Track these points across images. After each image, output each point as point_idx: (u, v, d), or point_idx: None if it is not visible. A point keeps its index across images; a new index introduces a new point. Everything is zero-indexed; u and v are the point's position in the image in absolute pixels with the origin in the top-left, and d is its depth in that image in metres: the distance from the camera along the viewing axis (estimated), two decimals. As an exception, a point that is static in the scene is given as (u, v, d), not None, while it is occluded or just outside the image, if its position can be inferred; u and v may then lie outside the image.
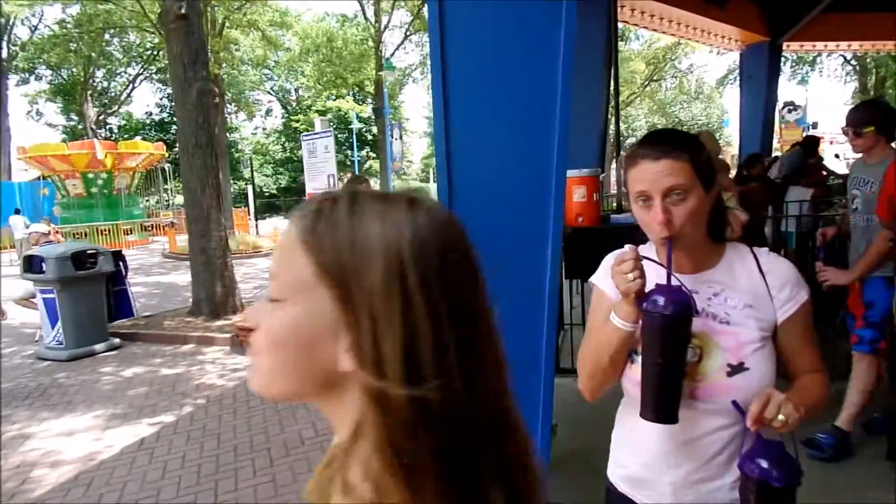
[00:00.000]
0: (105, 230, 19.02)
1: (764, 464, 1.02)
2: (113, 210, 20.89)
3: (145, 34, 22.59)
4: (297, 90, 33.85)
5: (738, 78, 9.41)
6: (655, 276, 1.13)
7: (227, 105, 27.48)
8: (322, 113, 26.40)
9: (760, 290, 1.19)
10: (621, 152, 6.23)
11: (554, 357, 1.75)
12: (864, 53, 19.82)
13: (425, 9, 1.69)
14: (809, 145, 7.05)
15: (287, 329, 0.54)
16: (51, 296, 6.22)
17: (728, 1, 6.76)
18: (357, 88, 26.77)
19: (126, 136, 30.16)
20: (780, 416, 1.02)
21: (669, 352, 1.08)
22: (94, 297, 6.48)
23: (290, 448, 3.96)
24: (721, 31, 7.49)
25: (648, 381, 1.11)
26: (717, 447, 1.17)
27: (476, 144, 1.63)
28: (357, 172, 25.02)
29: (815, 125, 19.97)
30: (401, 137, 22.44)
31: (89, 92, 27.88)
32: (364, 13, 24.07)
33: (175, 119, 7.90)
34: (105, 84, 30.46)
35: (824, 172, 7.04)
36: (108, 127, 32.10)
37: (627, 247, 1.13)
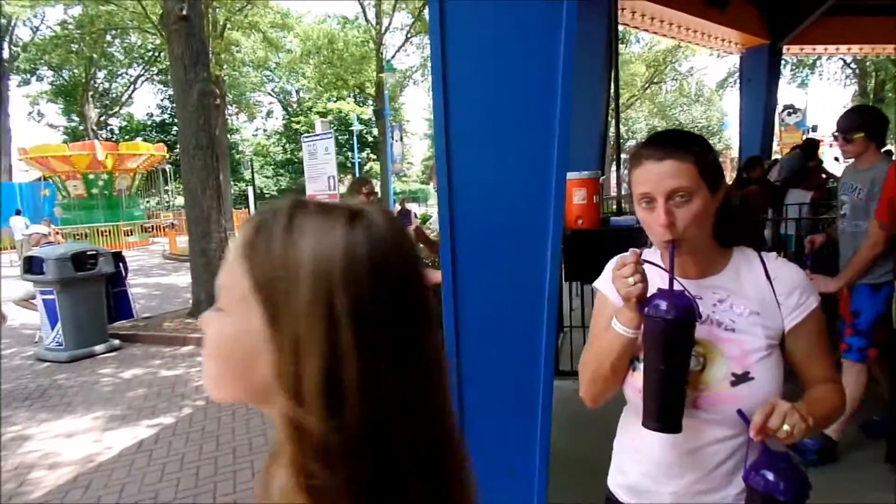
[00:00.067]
0: (105, 231, 19.05)
1: (770, 476, 0.99)
2: (113, 211, 20.91)
3: (147, 35, 22.63)
4: (297, 92, 33.90)
5: (738, 81, 9.41)
6: (659, 280, 1.10)
7: (228, 106, 27.53)
8: (323, 115, 26.40)
9: (767, 297, 1.15)
10: (622, 154, 6.23)
11: (553, 359, 1.75)
12: (864, 57, 19.83)
13: (426, 11, 1.69)
14: (809, 148, 7.05)
15: (226, 340, 0.53)
16: (51, 297, 6.22)
17: (728, 4, 6.77)
18: (358, 90, 26.80)
19: (127, 137, 30.19)
20: (785, 427, 0.98)
21: (672, 358, 1.05)
22: (93, 299, 6.48)
23: (289, 450, 3.96)
24: (721, 33, 7.51)
25: (650, 389, 1.08)
26: (721, 458, 1.14)
27: (476, 145, 1.63)
28: (358, 174, 25.02)
29: (814, 128, 19.97)
30: (401, 139, 22.46)
31: (90, 93, 27.92)
32: (365, 15, 24.10)
33: (176, 120, 7.91)
34: (106, 85, 30.51)
35: (824, 175, 7.04)
36: (109, 128, 32.13)
37: (630, 250, 1.10)
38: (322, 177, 6.63)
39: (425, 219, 15.96)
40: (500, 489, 1.82)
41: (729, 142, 35.80)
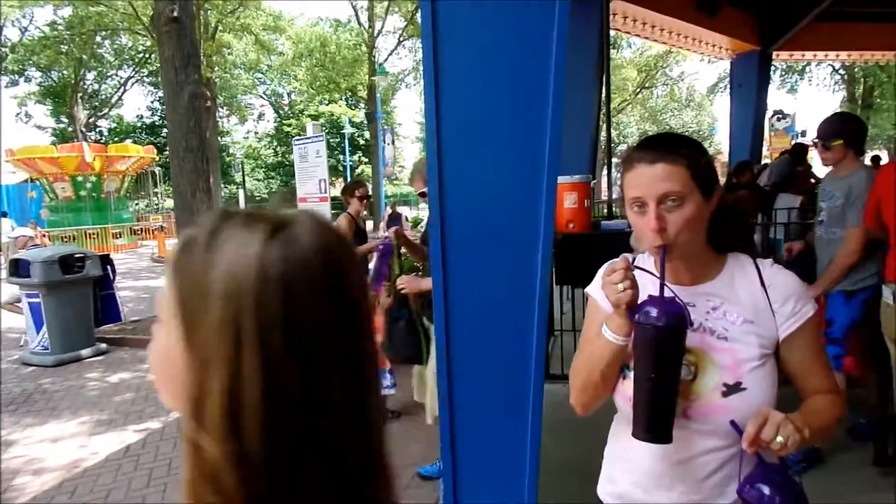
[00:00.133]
0: (93, 234, 18.89)
1: (765, 489, 0.97)
2: (102, 213, 20.74)
3: (137, 37, 22.52)
4: (289, 94, 33.81)
5: (728, 86, 9.48)
6: (651, 287, 1.08)
7: (219, 109, 27.43)
8: (314, 117, 26.36)
9: (761, 305, 1.12)
10: (613, 159, 6.25)
11: (544, 362, 1.74)
12: (853, 63, 20.07)
13: (419, 15, 1.69)
14: (798, 153, 7.11)
15: (158, 353, 0.53)
16: (36, 300, 6.15)
17: (719, 10, 6.82)
18: (350, 93, 26.76)
19: (116, 139, 29.97)
20: (779, 439, 0.96)
21: (662, 366, 1.02)
22: (80, 302, 6.41)
23: (278, 454, 3.93)
24: (712, 39, 7.56)
25: (640, 398, 1.05)
26: (712, 468, 1.12)
27: (467, 146, 1.62)
28: (349, 177, 25.00)
29: (803, 133, 20.14)
30: (393, 142, 22.44)
31: (80, 94, 27.71)
32: (357, 18, 24.11)
33: (166, 122, 7.87)
34: (96, 87, 30.27)
35: (813, 180, 7.10)
36: (98, 130, 31.90)
37: (621, 256, 1.09)
38: (313, 180, 6.61)
39: (416, 222, 15.94)
40: (491, 492, 1.81)
41: (719, 146, 36.07)
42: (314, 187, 6.60)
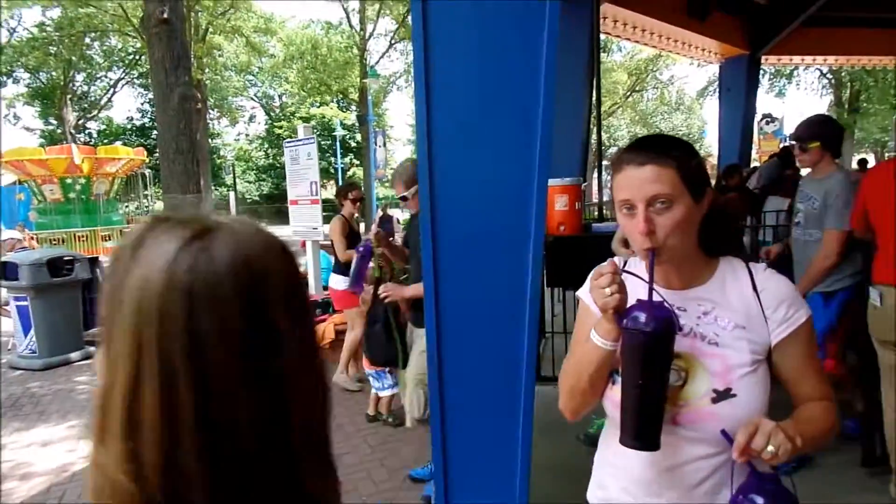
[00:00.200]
0: (82, 236, 18.73)
1: (759, 500, 0.95)
2: (91, 216, 20.56)
3: (127, 38, 22.40)
4: (280, 97, 33.71)
5: (717, 90, 9.55)
6: (642, 291, 1.06)
7: (210, 111, 27.29)
8: (306, 120, 26.31)
9: (753, 310, 1.11)
10: (604, 161, 6.28)
11: (535, 364, 1.74)
12: (840, 67, 20.26)
13: (410, 18, 1.69)
14: (787, 156, 7.16)
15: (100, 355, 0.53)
16: (24, 303, 6.09)
17: (708, 14, 6.87)
18: (341, 96, 26.72)
19: (106, 141, 29.75)
20: (770, 448, 0.94)
21: (650, 372, 1.01)
22: (69, 305, 6.36)
23: (269, 458, 3.91)
24: (701, 43, 7.62)
25: (628, 405, 1.03)
26: (702, 476, 1.10)
27: (458, 148, 1.63)
28: (341, 180, 24.96)
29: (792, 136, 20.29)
30: (385, 145, 22.45)
31: (69, 96, 27.48)
32: (349, 21, 24.08)
33: (156, 124, 7.83)
34: (85, 88, 30.04)
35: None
36: (87, 132, 31.66)
37: (608, 260, 1.07)
38: (304, 182, 6.58)
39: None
40: (482, 493, 1.81)
41: (709, 149, 36.30)
42: (305, 189, 6.57)
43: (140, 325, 0.46)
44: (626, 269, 1.15)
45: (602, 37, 6.49)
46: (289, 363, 0.51)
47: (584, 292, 1.24)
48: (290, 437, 0.51)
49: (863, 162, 14.96)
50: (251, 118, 35.63)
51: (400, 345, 3.30)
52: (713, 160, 12.64)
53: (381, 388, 4.12)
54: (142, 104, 32.97)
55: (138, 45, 21.55)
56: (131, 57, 26.97)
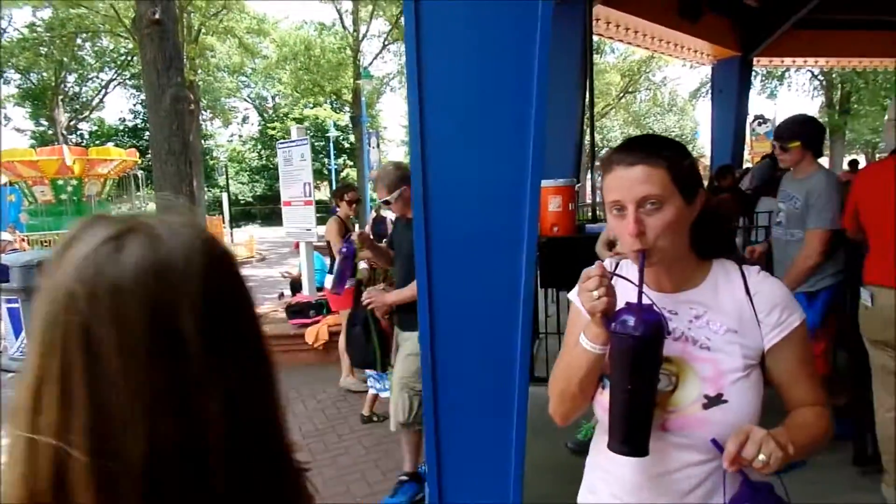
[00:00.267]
0: (74, 238, 18.61)
1: None
2: (83, 217, 20.45)
3: (119, 39, 22.26)
4: (274, 98, 33.64)
5: (710, 91, 9.60)
6: (634, 293, 1.04)
7: (203, 112, 27.18)
8: (299, 121, 26.25)
9: (746, 314, 1.09)
10: (597, 162, 6.30)
11: (528, 364, 1.75)
12: (831, 69, 20.40)
13: (403, 19, 1.69)
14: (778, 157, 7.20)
15: None
16: (15, 305, 6.06)
17: (701, 16, 6.91)
18: (335, 97, 26.68)
19: (98, 142, 29.64)
20: (761, 457, 0.91)
21: (639, 377, 0.98)
22: (61, 307, 6.32)
23: (262, 460, 3.89)
24: (694, 45, 7.66)
25: (616, 410, 1.01)
26: (692, 483, 1.08)
27: (451, 149, 1.63)
28: (335, 181, 24.93)
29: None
30: (378, 146, 22.40)
31: (60, 97, 27.32)
32: (342, 22, 24.06)
33: (148, 125, 7.81)
34: (77, 89, 29.87)
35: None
36: (79, 133, 31.48)
37: (596, 263, 1.05)
38: (298, 183, 6.57)
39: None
40: (476, 493, 1.81)
41: (702, 150, 36.46)
42: (299, 191, 6.56)
43: (47, 326, 0.46)
44: (616, 271, 1.13)
45: (595, 38, 6.51)
46: (201, 375, 0.48)
47: (574, 295, 1.21)
48: (203, 456, 0.48)
49: (854, 163, 15.08)
50: (244, 119, 35.59)
51: (379, 347, 3.32)
52: (706, 161, 12.70)
53: (382, 389, 4.11)
54: (134, 105, 32.87)
55: (130, 45, 21.41)
56: (123, 58, 26.83)
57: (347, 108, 26.33)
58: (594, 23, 5.86)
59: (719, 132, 8.45)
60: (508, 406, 1.73)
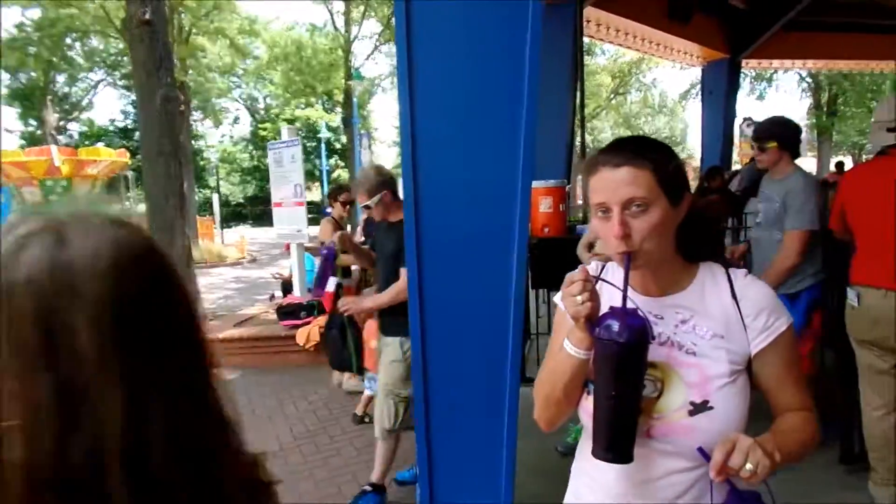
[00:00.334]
0: (63, 239, 18.46)
1: None
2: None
3: (109, 39, 22.12)
4: (265, 98, 33.52)
5: (699, 93, 9.66)
6: (619, 298, 1.02)
7: (194, 112, 27.04)
8: (290, 122, 26.17)
9: (733, 318, 1.07)
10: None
11: (519, 365, 1.75)
12: (819, 71, 20.58)
13: (394, 20, 1.69)
14: (768, 159, 7.26)
15: None
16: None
17: (690, 18, 6.95)
18: (326, 97, 26.63)
19: (88, 142, 29.41)
20: (748, 466, 0.89)
21: (624, 383, 0.97)
22: (50, 308, 6.26)
23: (253, 462, 3.88)
24: (683, 47, 7.70)
25: (600, 415, 1.00)
26: (678, 491, 1.06)
27: (442, 149, 1.64)
28: (326, 182, 24.87)
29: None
30: (370, 147, 22.38)
31: (49, 97, 27.10)
32: (333, 23, 24.02)
33: (139, 126, 7.77)
34: (66, 89, 29.65)
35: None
36: (68, 133, 31.25)
37: (579, 267, 1.04)
38: (289, 184, 6.55)
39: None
40: (467, 493, 1.82)
41: (692, 151, 36.66)
42: (290, 191, 6.55)
43: None
44: (600, 275, 1.13)
45: (586, 40, 6.54)
46: (98, 384, 0.46)
47: (559, 298, 1.18)
48: (97, 474, 0.46)
49: (840, 164, 15.22)
50: (235, 120, 35.41)
51: (354, 352, 3.31)
52: (696, 162, 12.78)
53: None
54: (124, 106, 32.66)
55: (120, 46, 21.29)
56: (113, 58, 26.66)
57: (339, 109, 26.28)
58: (585, 24, 5.89)
59: (709, 133, 8.51)
60: (500, 406, 1.74)
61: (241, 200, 34.87)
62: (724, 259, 1.18)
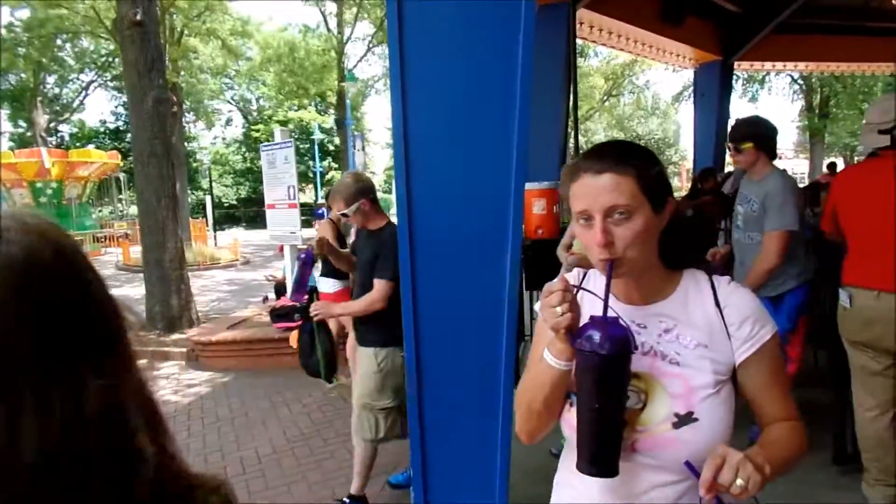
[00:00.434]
0: (54, 241, 18.33)
1: None
2: (63, 220, 20.12)
3: (100, 40, 22.01)
4: (258, 100, 33.46)
5: (692, 95, 9.70)
6: (601, 306, 0.99)
7: (186, 114, 26.94)
8: (283, 123, 26.12)
9: (716, 327, 1.05)
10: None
11: (514, 367, 1.75)
12: (810, 73, 20.73)
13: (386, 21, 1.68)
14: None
15: None
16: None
17: (683, 20, 6.98)
18: (319, 99, 26.60)
19: (78, 144, 29.22)
20: (739, 482, 0.86)
21: (607, 396, 0.94)
22: (40, 311, 6.21)
23: (246, 466, 3.86)
24: (676, 49, 7.73)
25: (584, 428, 0.97)
26: None
27: (435, 149, 1.63)
28: (319, 184, 24.82)
29: (765, 141, 20.64)
30: (363, 148, 22.34)
31: (39, 98, 26.92)
32: (326, 24, 24.00)
33: (130, 127, 7.72)
34: (56, 90, 29.49)
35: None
36: (59, 135, 31.06)
37: (559, 276, 1.02)
38: (282, 186, 6.53)
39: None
40: (462, 494, 1.81)
41: (685, 153, 36.86)
42: (283, 193, 6.52)
43: None
44: (581, 283, 1.11)
45: (579, 42, 6.55)
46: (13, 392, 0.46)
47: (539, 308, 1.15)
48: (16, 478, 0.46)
49: (832, 165, 15.35)
50: (228, 121, 35.33)
51: (322, 359, 3.27)
52: (688, 164, 12.81)
53: None
54: (116, 107, 32.52)
55: (111, 47, 21.21)
56: (104, 59, 26.54)
57: (332, 111, 26.27)
58: (578, 26, 5.90)
59: (702, 135, 8.54)
60: (494, 407, 1.73)
61: (234, 202, 34.74)
62: (707, 266, 1.16)
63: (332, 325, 5.02)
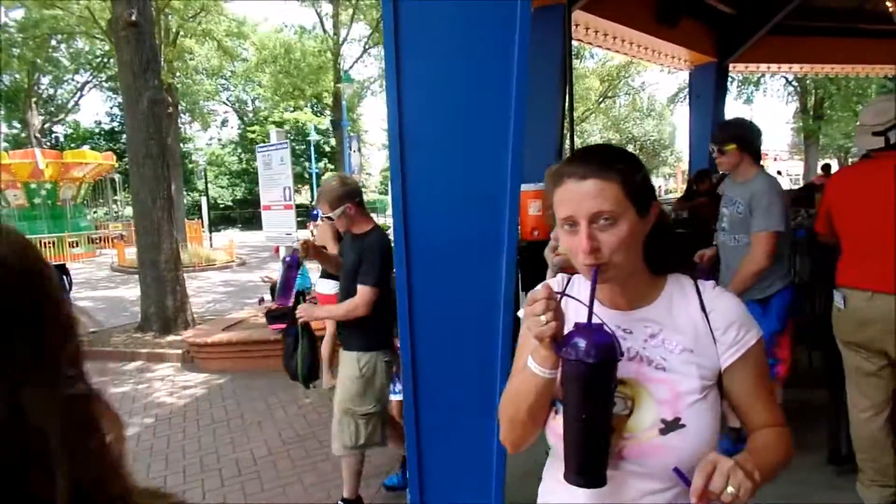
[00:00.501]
0: (49, 243, 18.25)
1: None
2: (58, 222, 20.08)
3: (94, 41, 21.94)
4: (253, 101, 33.40)
5: (687, 96, 9.73)
6: (585, 312, 0.98)
7: (182, 115, 26.87)
8: (279, 124, 26.06)
9: (702, 332, 1.05)
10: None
11: (509, 368, 1.75)
12: (805, 75, 20.83)
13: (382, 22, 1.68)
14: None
15: None
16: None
17: (678, 22, 7.00)
18: (315, 100, 26.58)
19: (73, 145, 29.12)
20: (730, 489, 0.86)
21: (593, 404, 0.92)
22: (34, 313, 6.19)
23: (242, 468, 3.84)
24: (671, 51, 7.76)
25: (570, 439, 0.95)
26: None
27: (430, 150, 1.63)
28: (315, 185, 24.79)
29: (759, 143, 20.73)
30: (359, 150, 22.32)
31: (34, 99, 26.82)
32: (322, 25, 23.99)
33: (125, 128, 7.71)
34: (51, 91, 29.39)
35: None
36: (54, 135, 30.94)
37: (542, 284, 0.99)
38: (278, 187, 6.52)
39: (385, 228, 15.86)
40: (458, 493, 1.81)
41: (680, 154, 36.98)
42: (279, 195, 6.51)
43: None
44: (565, 290, 1.10)
45: (574, 43, 6.57)
46: None
47: (522, 315, 1.12)
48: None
49: (826, 167, 15.41)
50: (224, 122, 35.24)
51: (301, 362, 3.26)
52: (684, 165, 12.85)
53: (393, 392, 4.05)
54: (111, 108, 32.40)
55: (106, 47, 21.13)
56: (99, 60, 26.46)
57: (328, 112, 26.24)
58: (573, 28, 5.92)
59: (697, 137, 8.57)
60: (490, 408, 1.73)
61: (230, 204, 34.66)
62: (692, 270, 1.16)
63: (329, 327, 5.02)
